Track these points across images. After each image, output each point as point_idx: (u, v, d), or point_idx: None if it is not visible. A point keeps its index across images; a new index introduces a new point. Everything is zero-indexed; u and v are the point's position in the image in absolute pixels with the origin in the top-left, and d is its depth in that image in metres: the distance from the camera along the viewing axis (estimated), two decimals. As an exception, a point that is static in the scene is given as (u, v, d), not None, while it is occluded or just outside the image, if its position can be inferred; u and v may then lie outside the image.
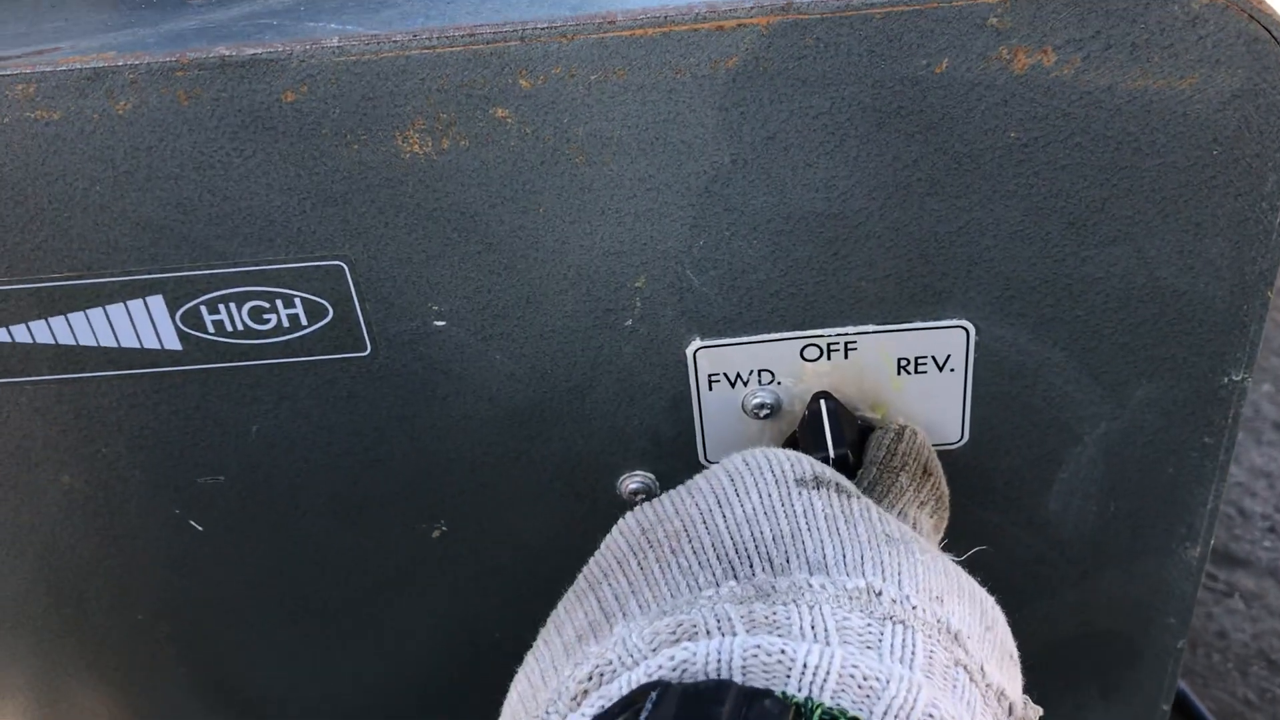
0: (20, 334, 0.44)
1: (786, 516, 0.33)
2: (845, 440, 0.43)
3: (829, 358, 0.45)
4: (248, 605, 0.53)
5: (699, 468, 0.48)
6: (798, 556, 0.32)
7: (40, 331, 0.44)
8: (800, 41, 0.38)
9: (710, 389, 0.46)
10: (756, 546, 0.32)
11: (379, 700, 0.56)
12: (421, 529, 0.50)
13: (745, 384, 0.46)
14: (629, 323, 0.44)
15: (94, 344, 0.45)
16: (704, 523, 0.34)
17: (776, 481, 0.34)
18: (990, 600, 0.36)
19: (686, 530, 0.34)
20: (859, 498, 0.35)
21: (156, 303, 0.44)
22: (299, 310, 0.44)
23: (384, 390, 0.46)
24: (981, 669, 0.31)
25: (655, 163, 0.40)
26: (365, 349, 0.45)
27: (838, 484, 0.35)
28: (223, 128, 0.39)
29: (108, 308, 0.44)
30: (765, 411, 0.46)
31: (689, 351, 0.45)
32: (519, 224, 0.41)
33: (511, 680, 0.36)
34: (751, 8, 0.37)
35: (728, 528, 0.33)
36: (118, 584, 0.52)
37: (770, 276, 0.43)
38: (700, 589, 0.31)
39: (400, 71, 0.38)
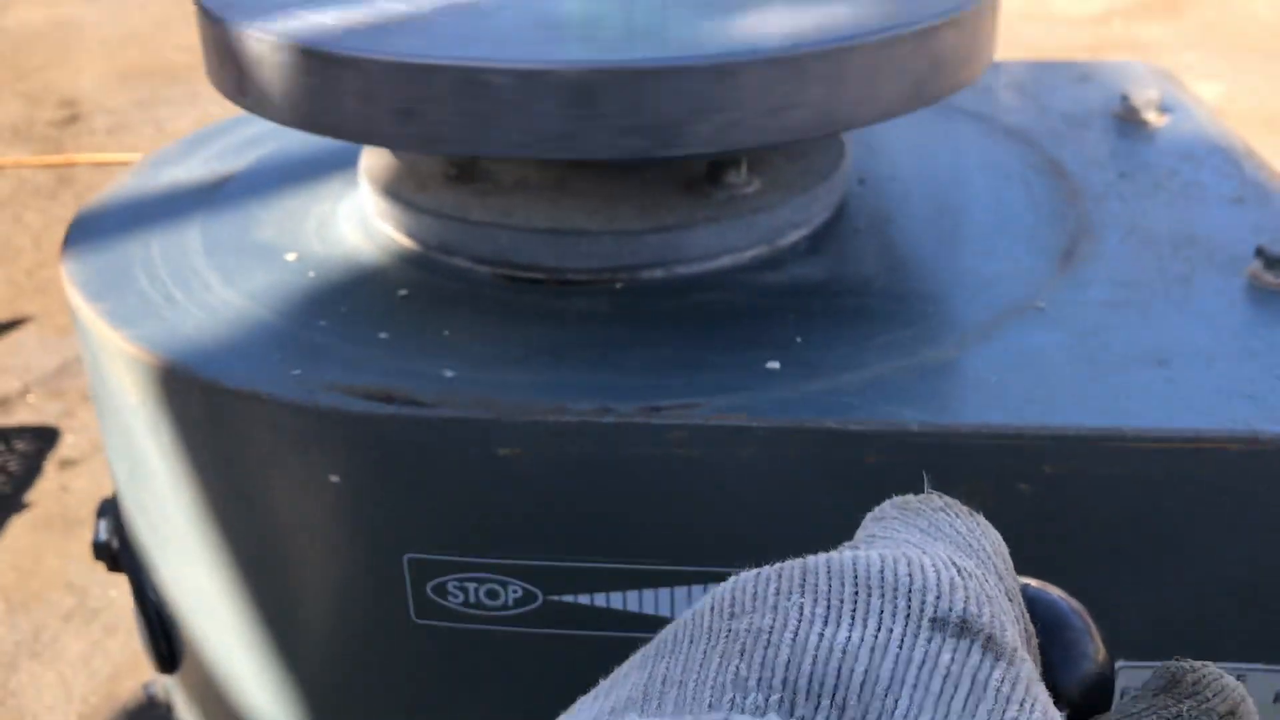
0: (600, 600, 0.58)
1: (893, 661, 0.25)
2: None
3: None
4: None
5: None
6: (876, 715, 0.25)
7: (615, 600, 0.58)
8: None
9: None
10: (836, 684, 0.25)
11: None
12: None
13: None
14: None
15: (654, 613, 0.58)
16: (793, 631, 0.26)
17: (907, 615, 0.26)
18: None
19: (770, 632, 0.26)
20: (1011, 664, 0.26)
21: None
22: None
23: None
24: None
25: (1145, 537, 0.54)
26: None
27: (990, 638, 0.26)
28: (813, 474, 0.54)
29: (675, 589, 0.57)
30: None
31: None
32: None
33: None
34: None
35: (816, 650, 0.25)
36: None
37: None
38: (739, 709, 0.25)
39: (961, 450, 0.53)
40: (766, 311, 0.63)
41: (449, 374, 0.58)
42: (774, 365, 0.58)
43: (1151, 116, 0.87)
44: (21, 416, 1.90)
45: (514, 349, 0.60)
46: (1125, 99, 0.89)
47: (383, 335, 0.61)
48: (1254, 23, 3.69)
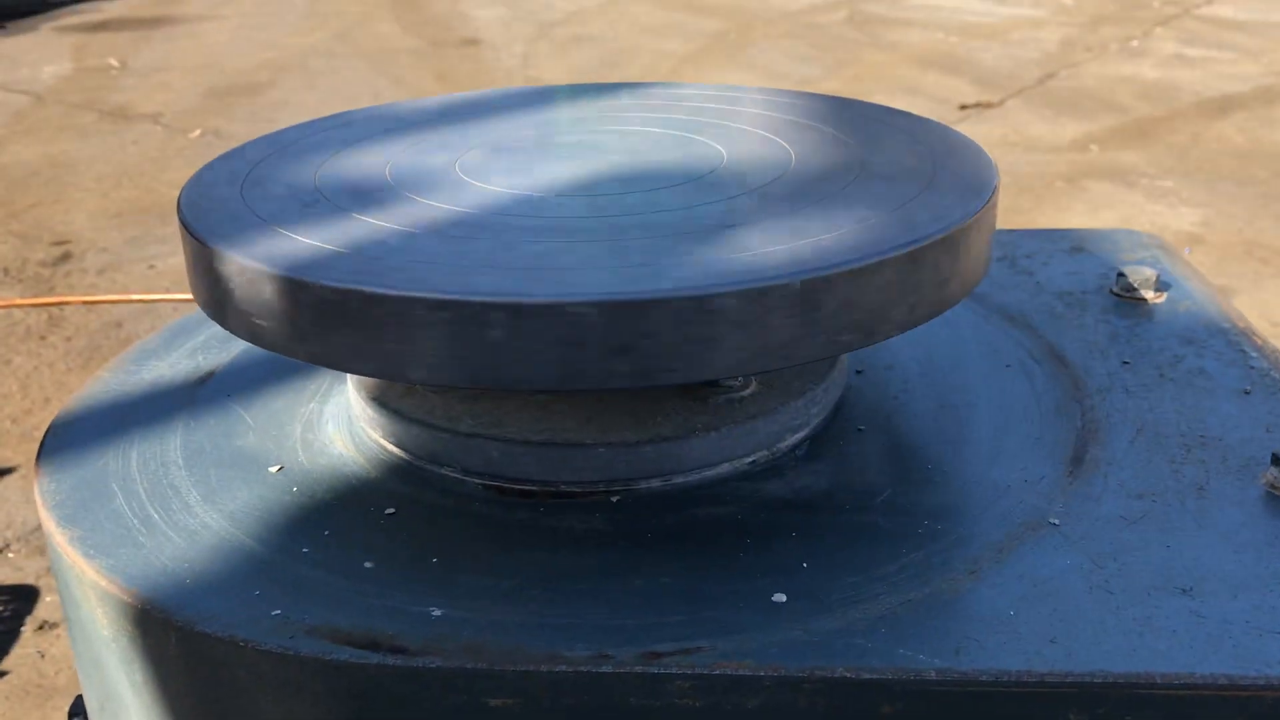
0: None
1: None
2: None
3: None
4: None
5: None
6: None
7: None
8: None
9: None
10: None
11: None
12: None
13: None
14: None
15: None
16: None
17: None
18: None
19: None
20: None
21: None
22: None
23: None
24: None
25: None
26: None
27: None
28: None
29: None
30: None
31: None
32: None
33: None
34: (1260, 681, 0.49)
35: None
36: None
37: None
38: None
39: (981, 698, 0.50)
40: (769, 529, 0.60)
41: (436, 613, 0.55)
42: (780, 598, 0.55)
43: (1149, 295, 0.86)
44: (0, 574, 1.85)
45: (505, 580, 0.57)
46: (1122, 276, 0.88)
47: (368, 564, 0.59)
48: (1227, 147, 3.76)
